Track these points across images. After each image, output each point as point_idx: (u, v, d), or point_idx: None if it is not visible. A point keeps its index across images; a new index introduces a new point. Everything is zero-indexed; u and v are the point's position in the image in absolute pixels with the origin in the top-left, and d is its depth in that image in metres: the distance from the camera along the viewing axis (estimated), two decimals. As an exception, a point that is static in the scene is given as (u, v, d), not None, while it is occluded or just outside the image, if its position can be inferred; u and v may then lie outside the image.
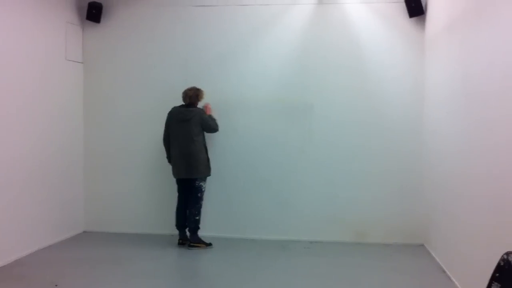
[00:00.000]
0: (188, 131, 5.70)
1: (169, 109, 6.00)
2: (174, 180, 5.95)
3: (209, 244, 5.85)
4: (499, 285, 2.52)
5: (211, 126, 5.84)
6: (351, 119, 6.16)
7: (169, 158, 5.95)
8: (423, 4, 5.89)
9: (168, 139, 5.89)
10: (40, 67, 5.72)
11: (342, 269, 5.16)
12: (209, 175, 5.89)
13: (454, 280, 4.57)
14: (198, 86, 5.92)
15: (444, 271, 4.90)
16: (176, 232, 5.96)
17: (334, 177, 6.21)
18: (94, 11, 6.36)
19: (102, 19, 6.47)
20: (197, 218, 5.81)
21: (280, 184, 6.30)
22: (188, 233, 5.89)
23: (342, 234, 6.14)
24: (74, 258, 5.43)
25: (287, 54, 6.29)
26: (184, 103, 5.87)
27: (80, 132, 6.56)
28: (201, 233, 5.92)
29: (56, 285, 4.48)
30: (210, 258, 5.55)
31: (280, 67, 6.30)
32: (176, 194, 5.99)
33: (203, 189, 5.83)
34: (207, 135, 5.98)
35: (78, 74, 6.50)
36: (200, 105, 5.94)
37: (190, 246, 5.81)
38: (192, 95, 5.82)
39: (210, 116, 5.91)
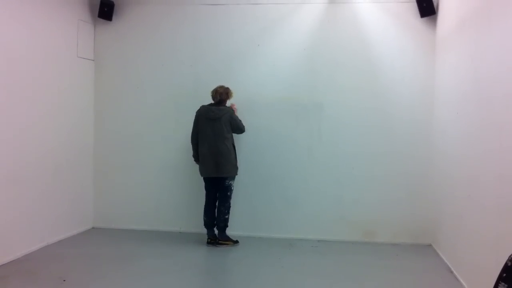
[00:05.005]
0: (218, 129, 5.65)
1: (177, 107, 6.03)
2: (183, 177, 6.00)
3: (236, 242, 5.88)
4: (506, 285, 2.50)
5: (239, 126, 5.81)
6: (359, 120, 6.14)
7: (196, 157, 5.88)
8: (435, 4, 5.84)
9: (197, 138, 5.82)
10: (52, 63, 5.77)
11: (349, 267, 5.15)
12: (236, 174, 5.87)
13: (461, 280, 4.56)
14: (207, 85, 5.90)
15: (451, 271, 4.88)
16: (184, 229, 6.01)
17: (342, 176, 6.19)
18: (106, 9, 6.42)
19: (113, 17, 6.52)
20: (227, 217, 5.83)
21: (288, 182, 6.29)
22: (216, 231, 5.88)
23: (349, 234, 6.13)
24: (83, 253, 5.48)
25: (296, 54, 6.27)
26: (213, 101, 5.81)
27: (90, 129, 6.61)
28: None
29: (64, 280, 4.52)
30: (218, 256, 5.58)
31: (289, 67, 6.28)
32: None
33: (232, 188, 5.83)
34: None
35: (89, 71, 6.56)
36: (227, 104, 5.90)
37: (218, 243, 5.82)
38: (223, 92, 5.75)
39: (237, 117, 5.92)
